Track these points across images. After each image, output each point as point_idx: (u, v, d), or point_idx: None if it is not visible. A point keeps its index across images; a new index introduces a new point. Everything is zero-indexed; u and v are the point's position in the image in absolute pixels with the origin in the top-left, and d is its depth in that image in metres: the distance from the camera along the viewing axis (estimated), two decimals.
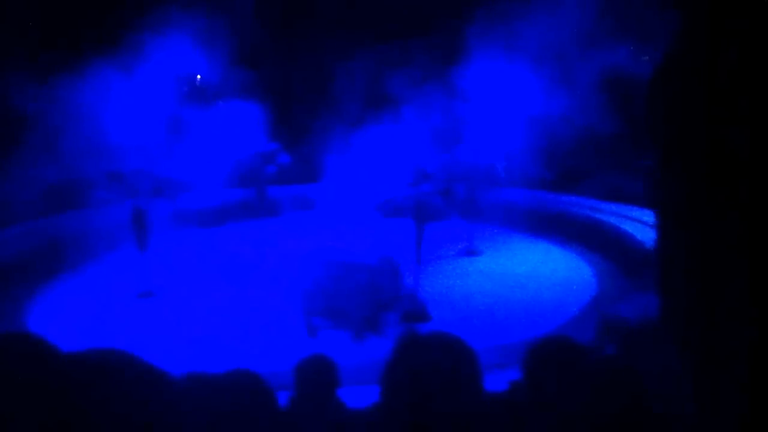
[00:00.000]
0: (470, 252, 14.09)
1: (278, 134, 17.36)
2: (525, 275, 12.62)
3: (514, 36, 13.93)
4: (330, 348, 9.47)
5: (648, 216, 11.84)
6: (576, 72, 14.32)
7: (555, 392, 2.07)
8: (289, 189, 17.62)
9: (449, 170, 17.01)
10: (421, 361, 1.77)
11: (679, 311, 0.58)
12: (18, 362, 1.77)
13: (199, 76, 17.99)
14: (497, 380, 5.18)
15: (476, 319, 10.47)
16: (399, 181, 15.48)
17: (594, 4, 13.39)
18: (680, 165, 0.51)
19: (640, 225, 13.01)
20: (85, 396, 2.18)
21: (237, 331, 10.26)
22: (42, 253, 13.28)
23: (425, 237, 11.20)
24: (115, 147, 12.07)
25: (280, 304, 10.85)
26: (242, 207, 17.03)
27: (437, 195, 15.87)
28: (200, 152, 14.38)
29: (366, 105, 16.25)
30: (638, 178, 14.86)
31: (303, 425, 3.24)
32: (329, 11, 20.02)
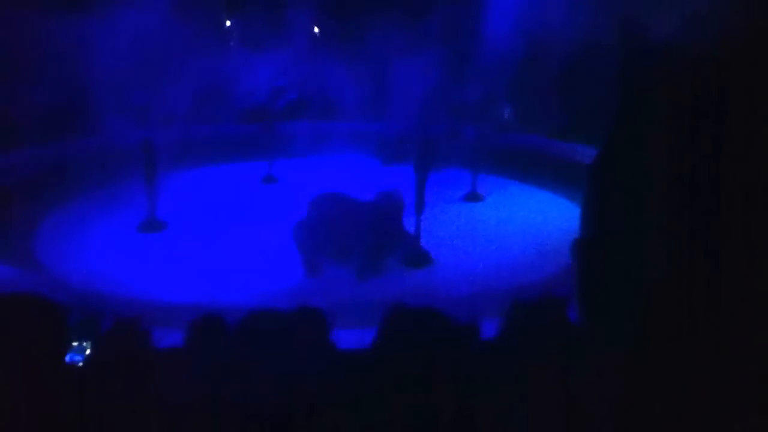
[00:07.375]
0: (473, 197, 14.21)
1: (291, 69, 17.16)
2: (526, 223, 12.71)
3: None
4: (330, 287, 9.75)
5: None
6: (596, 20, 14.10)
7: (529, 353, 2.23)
8: (298, 125, 17.53)
9: (457, 113, 16.89)
10: (403, 334, 1.94)
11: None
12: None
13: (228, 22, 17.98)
14: (488, 328, 5.37)
15: (474, 263, 10.68)
16: (408, 122, 15.33)
17: None
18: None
19: None
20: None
21: (237, 266, 10.44)
22: (50, 179, 13.38)
23: (428, 182, 11.30)
24: (128, 78, 12.04)
25: (283, 240, 10.96)
26: (250, 142, 16.97)
27: (443, 139, 15.77)
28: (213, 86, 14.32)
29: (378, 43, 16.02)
30: None
31: (297, 366, 3.45)
32: None
